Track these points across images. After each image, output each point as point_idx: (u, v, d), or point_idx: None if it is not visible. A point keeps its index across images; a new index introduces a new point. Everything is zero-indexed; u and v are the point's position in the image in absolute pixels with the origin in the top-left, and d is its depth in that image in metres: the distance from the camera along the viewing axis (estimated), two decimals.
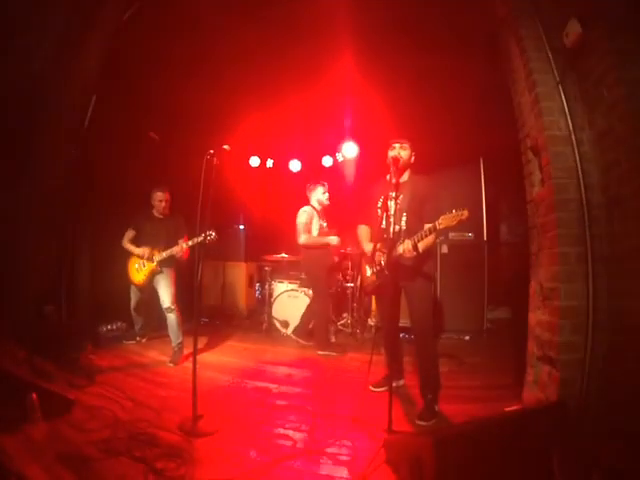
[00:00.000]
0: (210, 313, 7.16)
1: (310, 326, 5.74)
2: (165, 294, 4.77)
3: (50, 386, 3.09)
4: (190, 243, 4.63)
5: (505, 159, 5.90)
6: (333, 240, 5.33)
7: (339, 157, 7.55)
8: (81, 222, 5.10)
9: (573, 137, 3.03)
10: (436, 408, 3.27)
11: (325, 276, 5.41)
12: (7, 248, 3.95)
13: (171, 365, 4.52)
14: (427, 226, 3.06)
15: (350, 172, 7.34)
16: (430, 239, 3.12)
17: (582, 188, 2.92)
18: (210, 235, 4.15)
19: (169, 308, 4.72)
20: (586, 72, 2.99)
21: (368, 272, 3.63)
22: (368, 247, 3.54)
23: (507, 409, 3.07)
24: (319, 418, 3.18)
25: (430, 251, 3.35)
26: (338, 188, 7.43)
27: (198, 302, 3.84)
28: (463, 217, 2.84)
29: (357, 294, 6.35)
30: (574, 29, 2.95)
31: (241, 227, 7.63)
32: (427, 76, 5.65)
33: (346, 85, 5.65)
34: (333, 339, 5.87)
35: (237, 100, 6.33)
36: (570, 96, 3.09)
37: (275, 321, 6.08)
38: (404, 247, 3.09)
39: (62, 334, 4.32)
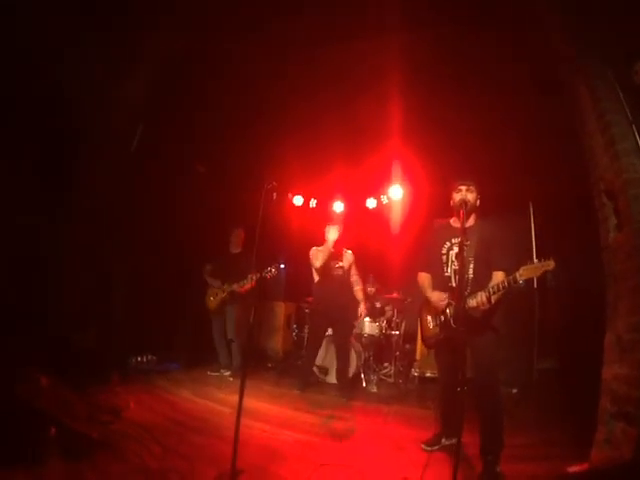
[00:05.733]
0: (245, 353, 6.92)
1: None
2: (230, 327, 5.58)
3: (72, 422, 2.92)
4: (248, 280, 5.25)
5: (555, 204, 5.71)
6: None
7: (384, 199, 7.41)
8: (122, 250, 5.17)
9: None
10: (497, 469, 2.93)
11: None
12: (39, 271, 3.96)
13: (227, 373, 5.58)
14: (500, 276, 2.95)
15: (396, 215, 7.17)
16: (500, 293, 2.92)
17: None
18: (270, 271, 4.78)
19: (230, 340, 5.56)
20: None
21: (430, 324, 3.38)
22: (435, 296, 3.29)
23: (572, 469, 2.82)
24: (367, 478, 2.90)
25: (499, 302, 3.08)
26: (382, 231, 7.30)
27: (248, 347, 4.70)
28: (549, 268, 2.70)
29: (400, 342, 6.07)
30: None
31: (282, 266, 7.50)
32: (475, 120, 5.54)
33: (391, 126, 5.59)
34: (375, 389, 5.56)
35: (283, 139, 6.36)
36: None
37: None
38: (478, 300, 2.90)
39: (89, 363, 4.22)
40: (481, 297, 2.89)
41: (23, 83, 3.68)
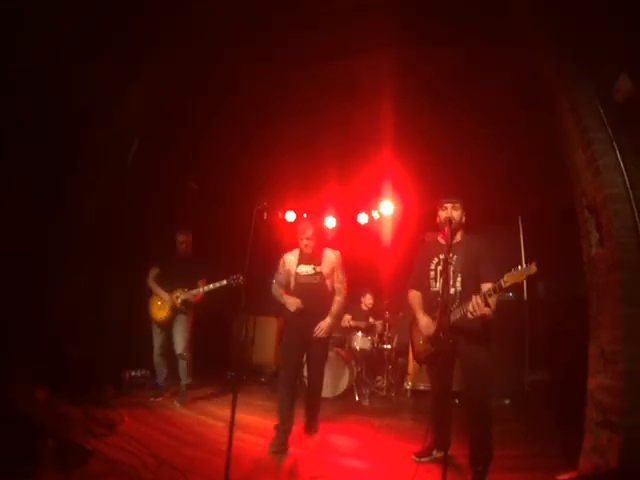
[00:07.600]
0: (238, 367, 6.89)
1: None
2: (180, 339, 4.85)
3: (67, 433, 2.95)
4: (211, 286, 4.73)
5: (544, 218, 5.80)
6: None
7: (375, 214, 7.48)
8: (114, 265, 5.11)
9: (631, 194, 2.89)
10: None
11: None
12: (32, 284, 3.91)
13: (177, 405, 4.64)
14: (487, 286, 2.98)
15: (386, 230, 7.23)
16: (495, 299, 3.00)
17: None
18: (237, 278, 4.35)
19: (181, 355, 4.83)
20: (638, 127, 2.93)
21: (420, 340, 3.45)
22: (423, 321, 3.37)
23: (561, 477, 2.88)
24: None
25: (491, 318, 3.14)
26: (374, 246, 7.34)
27: (239, 360, 4.07)
28: (532, 272, 2.74)
29: (393, 356, 6.10)
30: (625, 85, 2.91)
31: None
32: (464, 135, 5.66)
33: (382, 143, 5.67)
34: (367, 403, 5.57)
35: (275, 155, 6.44)
36: (624, 152, 2.98)
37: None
38: (473, 303, 2.93)
39: (84, 376, 4.21)
40: (475, 300, 2.92)
41: (22, 96, 3.70)
